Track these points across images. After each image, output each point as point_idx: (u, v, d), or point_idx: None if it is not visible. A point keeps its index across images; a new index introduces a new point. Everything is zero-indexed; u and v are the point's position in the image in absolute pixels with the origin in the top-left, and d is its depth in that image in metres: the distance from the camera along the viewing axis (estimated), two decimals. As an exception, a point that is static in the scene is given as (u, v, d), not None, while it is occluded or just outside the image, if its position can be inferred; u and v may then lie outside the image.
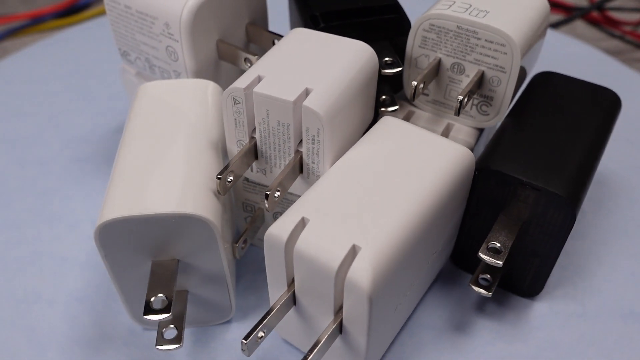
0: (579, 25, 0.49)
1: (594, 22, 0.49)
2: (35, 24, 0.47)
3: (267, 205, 0.20)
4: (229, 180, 0.21)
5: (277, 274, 0.20)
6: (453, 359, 0.23)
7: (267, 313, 0.19)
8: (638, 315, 0.25)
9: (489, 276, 0.23)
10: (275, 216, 0.25)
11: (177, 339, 0.21)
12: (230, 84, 0.21)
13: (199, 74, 0.26)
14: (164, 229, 0.20)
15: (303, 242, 0.18)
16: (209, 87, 0.25)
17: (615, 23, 0.48)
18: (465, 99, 0.23)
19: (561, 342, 0.24)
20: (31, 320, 0.24)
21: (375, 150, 0.21)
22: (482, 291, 0.23)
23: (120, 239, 0.20)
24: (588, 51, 0.42)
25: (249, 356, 0.19)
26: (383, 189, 0.20)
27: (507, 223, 0.22)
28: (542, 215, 0.22)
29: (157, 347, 0.20)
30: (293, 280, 0.20)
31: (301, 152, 0.21)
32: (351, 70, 0.22)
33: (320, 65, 0.22)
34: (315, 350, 0.18)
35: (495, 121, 0.26)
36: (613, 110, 0.25)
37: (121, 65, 0.31)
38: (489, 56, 0.24)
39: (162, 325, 0.21)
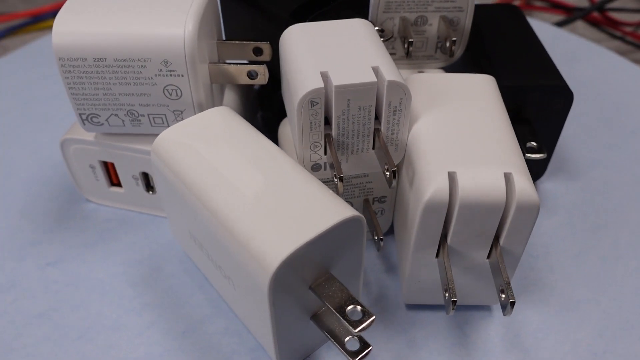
0: (580, 25, 0.49)
1: (594, 23, 0.49)
2: (35, 22, 0.48)
3: (394, 184, 0.21)
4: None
5: (432, 236, 0.21)
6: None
7: (445, 277, 0.21)
8: (613, 146, 0.32)
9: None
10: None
11: (365, 344, 0.20)
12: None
13: (202, 104, 0.24)
14: (324, 246, 0.19)
15: (466, 192, 0.20)
16: (223, 112, 0.24)
17: (615, 24, 0.48)
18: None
19: (582, 201, 0.30)
20: None
21: (434, 101, 0.23)
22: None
23: (288, 277, 0.19)
24: (593, 49, 0.42)
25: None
26: (475, 125, 0.22)
27: (525, 125, 0.27)
28: (547, 107, 0.27)
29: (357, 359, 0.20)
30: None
31: (379, 128, 0.22)
32: (378, 42, 0.23)
33: (356, 45, 0.23)
34: (509, 280, 0.20)
35: (457, 57, 0.30)
36: (524, 19, 0.32)
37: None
38: (448, 1, 0.27)
39: (340, 341, 0.21)
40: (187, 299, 0.25)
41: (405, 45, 0.27)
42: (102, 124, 0.25)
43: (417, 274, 0.23)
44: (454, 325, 0.24)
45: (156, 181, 0.24)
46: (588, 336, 0.24)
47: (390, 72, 0.21)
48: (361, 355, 0.20)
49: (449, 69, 0.31)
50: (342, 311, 0.19)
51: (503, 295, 0.20)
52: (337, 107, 0.21)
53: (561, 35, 0.44)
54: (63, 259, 0.27)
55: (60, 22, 0.22)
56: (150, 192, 0.28)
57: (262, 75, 0.25)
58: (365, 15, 0.28)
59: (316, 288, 0.20)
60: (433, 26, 0.28)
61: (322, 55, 0.22)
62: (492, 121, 0.22)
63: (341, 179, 0.21)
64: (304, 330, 0.22)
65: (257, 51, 0.26)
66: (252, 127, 0.23)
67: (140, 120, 0.24)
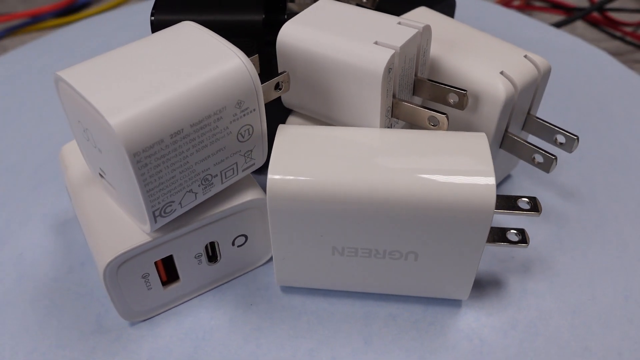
0: (580, 26, 0.49)
1: (594, 23, 0.49)
2: (35, 22, 0.49)
3: (465, 103, 0.24)
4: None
5: (502, 129, 0.26)
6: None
7: (531, 147, 0.26)
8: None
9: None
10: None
11: (520, 231, 0.24)
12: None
13: (266, 133, 0.23)
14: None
15: (520, 80, 0.24)
16: (295, 126, 0.23)
17: (615, 24, 0.48)
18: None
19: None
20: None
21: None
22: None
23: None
24: (592, 51, 0.42)
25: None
26: (468, 36, 0.27)
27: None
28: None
29: (526, 244, 0.24)
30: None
31: (415, 72, 0.25)
32: (363, 7, 0.26)
33: (360, 15, 0.24)
34: (560, 126, 0.26)
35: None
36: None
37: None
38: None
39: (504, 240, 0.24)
40: (332, 318, 0.24)
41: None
42: (175, 210, 0.21)
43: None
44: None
45: (276, 226, 0.22)
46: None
47: (411, 21, 0.24)
48: (528, 237, 0.24)
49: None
50: (515, 207, 0.23)
51: (560, 141, 0.26)
52: (398, 65, 0.23)
53: (560, 36, 0.44)
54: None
55: (109, 107, 0.18)
56: (214, 262, 0.25)
57: (287, 84, 0.24)
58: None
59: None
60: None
61: (351, 33, 0.23)
62: (470, 30, 0.28)
63: (447, 117, 0.23)
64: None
65: (249, 68, 0.25)
66: (328, 126, 0.24)
67: (212, 183, 0.22)
